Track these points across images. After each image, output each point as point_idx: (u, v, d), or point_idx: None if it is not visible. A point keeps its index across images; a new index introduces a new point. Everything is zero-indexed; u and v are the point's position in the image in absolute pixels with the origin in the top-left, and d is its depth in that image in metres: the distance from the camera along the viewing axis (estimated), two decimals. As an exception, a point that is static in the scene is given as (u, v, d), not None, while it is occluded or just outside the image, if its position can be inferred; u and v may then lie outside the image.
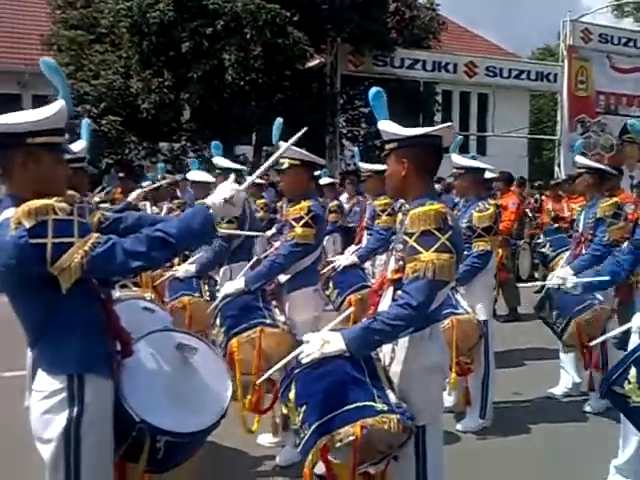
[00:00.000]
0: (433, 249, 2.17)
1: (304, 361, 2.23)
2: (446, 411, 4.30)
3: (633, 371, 2.73)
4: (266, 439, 4.03)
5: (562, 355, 5.01)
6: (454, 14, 18.41)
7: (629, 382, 2.74)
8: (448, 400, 4.49)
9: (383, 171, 5.33)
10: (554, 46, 21.40)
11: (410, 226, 2.25)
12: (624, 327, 3.23)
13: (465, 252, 4.25)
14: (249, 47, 11.69)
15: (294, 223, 3.61)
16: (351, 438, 2.07)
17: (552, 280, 4.47)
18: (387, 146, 2.42)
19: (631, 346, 3.10)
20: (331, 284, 5.09)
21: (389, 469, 2.36)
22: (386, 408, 2.13)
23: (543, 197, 10.88)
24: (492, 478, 3.62)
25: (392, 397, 2.21)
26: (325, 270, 5.13)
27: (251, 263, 4.17)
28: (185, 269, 4.46)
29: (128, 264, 2.02)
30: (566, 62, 13.87)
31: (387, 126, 2.40)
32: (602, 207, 4.49)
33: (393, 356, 2.35)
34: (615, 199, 4.59)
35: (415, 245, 2.21)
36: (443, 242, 2.18)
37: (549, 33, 23.30)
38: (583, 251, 4.57)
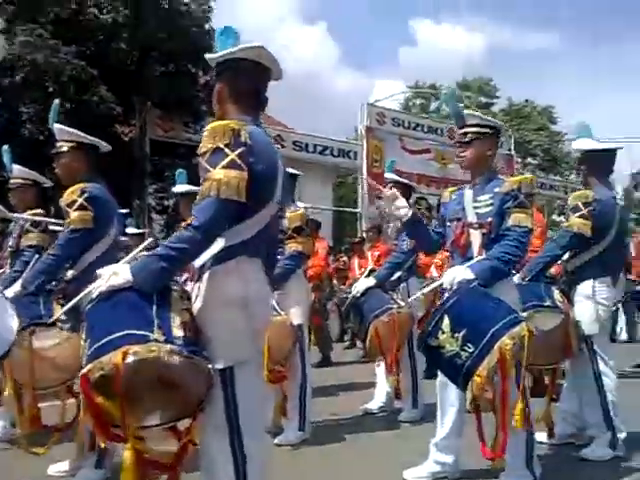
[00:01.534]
0: (221, 166, 2.02)
1: (93, 295, 2.00)
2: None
3: (446, 320, 2.78)
4: (56, 468, 3.41)
5: (377, 369, 5.04)
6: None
7: (443, 332, 2.78)
8: (263, 418, 4.23)
9: (191, 193, 5.27)
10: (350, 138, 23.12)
11: (203, 145, 2.08)
12: (435, 284, 3.29)
13: (278, 256, 4.20)
14: (50, 101, 11.07)
15: (68, 209, 3.27)
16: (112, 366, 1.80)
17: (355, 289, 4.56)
18: None
19: None
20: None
21: (196, 422, 2.07)
22: (162, 338, 1.88)
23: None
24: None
25: (178, 332, 1.96)
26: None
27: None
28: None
29: None
30: (365, 141, 14.95)
31: (215, 54, 2.27)
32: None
33: (197, 294, 2.13)
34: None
35: (206, 165, 2.06)
36: (232, 159, 2.03)
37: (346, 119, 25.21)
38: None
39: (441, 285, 3.15)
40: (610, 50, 64.51)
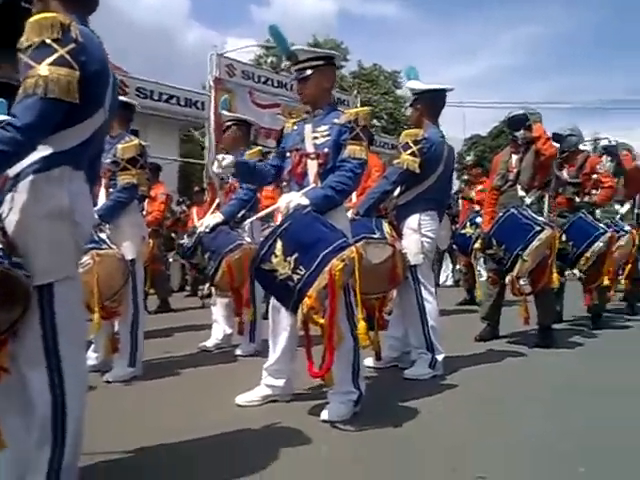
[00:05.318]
0: (48, 62, 1.82)
1: None
2: (93, 371, 3.88)
3: (279, 244, 2.78)
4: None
5: (213, 308, 5.02)
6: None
7: (276, 256, 2.77)
8: (92, 357, 4.05)
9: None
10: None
11: (26, 39, 1.86)
12: (271, 208, 3.33)
13: (110, 189, 3.99)
14: None
15: None
16: None
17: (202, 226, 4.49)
18: None
19: None
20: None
21: (7, 347, 1.89)
22: None
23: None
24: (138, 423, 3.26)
25: None
26: None
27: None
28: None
29: None
30: (213, 92, 14.54)
31: None
32: (248, 155, 4.67)
33: (12, 205, 1.91)
34: (259, 148, 4.84)
35: (29, 61, 1.84)
36: (62, 55, 1.84)
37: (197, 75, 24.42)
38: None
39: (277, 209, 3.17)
40: (443, 25, 68.54)
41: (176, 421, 3.08)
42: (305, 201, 2.96)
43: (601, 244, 5.26)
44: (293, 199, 3.00)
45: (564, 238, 5.30)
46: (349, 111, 3.21)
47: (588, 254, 5.24)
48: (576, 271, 5.41)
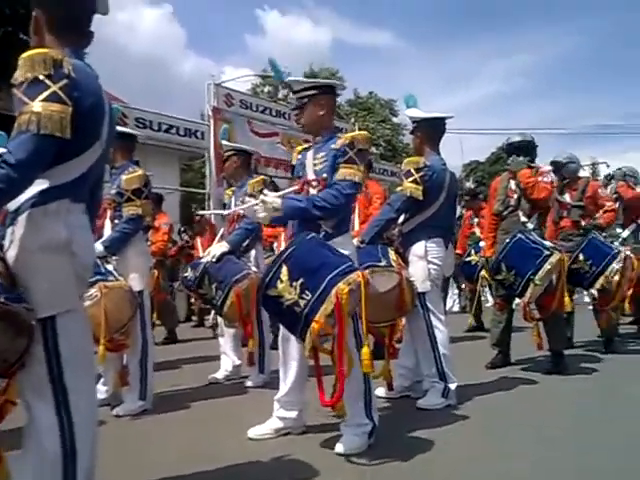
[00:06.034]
0: (40, 99, 1.83)
1: None
2: (103, 404, 3.82)
3: (284, 270, 2.76)
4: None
5: (221, 340, 4.97)
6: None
7: (281, 281, 2.75)
8: (101, 391, 4.00)
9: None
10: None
11: (19, 75, 1.87)
12: (251, 203, 3.30)
13: (115, 220, 3.99)
14: None
15: None
16: None
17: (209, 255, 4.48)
18: None
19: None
20: None
21: (14, 380, 1.87)
22: None
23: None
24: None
25: None
26: None
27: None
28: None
29: None
30: (212, 122, 14.63)
31: None
32: (251, 184, 4.69)
33: (12, 239, 1.91)
34: (261, 177, 4.85)
35: (22, 97, 1.85)
36: (54, 91, 1.85)
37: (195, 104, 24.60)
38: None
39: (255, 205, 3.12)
40: (436, 54, 69.28)
41: (189, 455, 3.03)
42: (277, 201, 3.00)
43: (617, 265, 5.25)
44: (269, 197, 3.04)
45: (581, 257, 5.29)
46: (345, 135, 3.23)
47: (607, 272, 5.22)
48: (594, 291, 5.37)
